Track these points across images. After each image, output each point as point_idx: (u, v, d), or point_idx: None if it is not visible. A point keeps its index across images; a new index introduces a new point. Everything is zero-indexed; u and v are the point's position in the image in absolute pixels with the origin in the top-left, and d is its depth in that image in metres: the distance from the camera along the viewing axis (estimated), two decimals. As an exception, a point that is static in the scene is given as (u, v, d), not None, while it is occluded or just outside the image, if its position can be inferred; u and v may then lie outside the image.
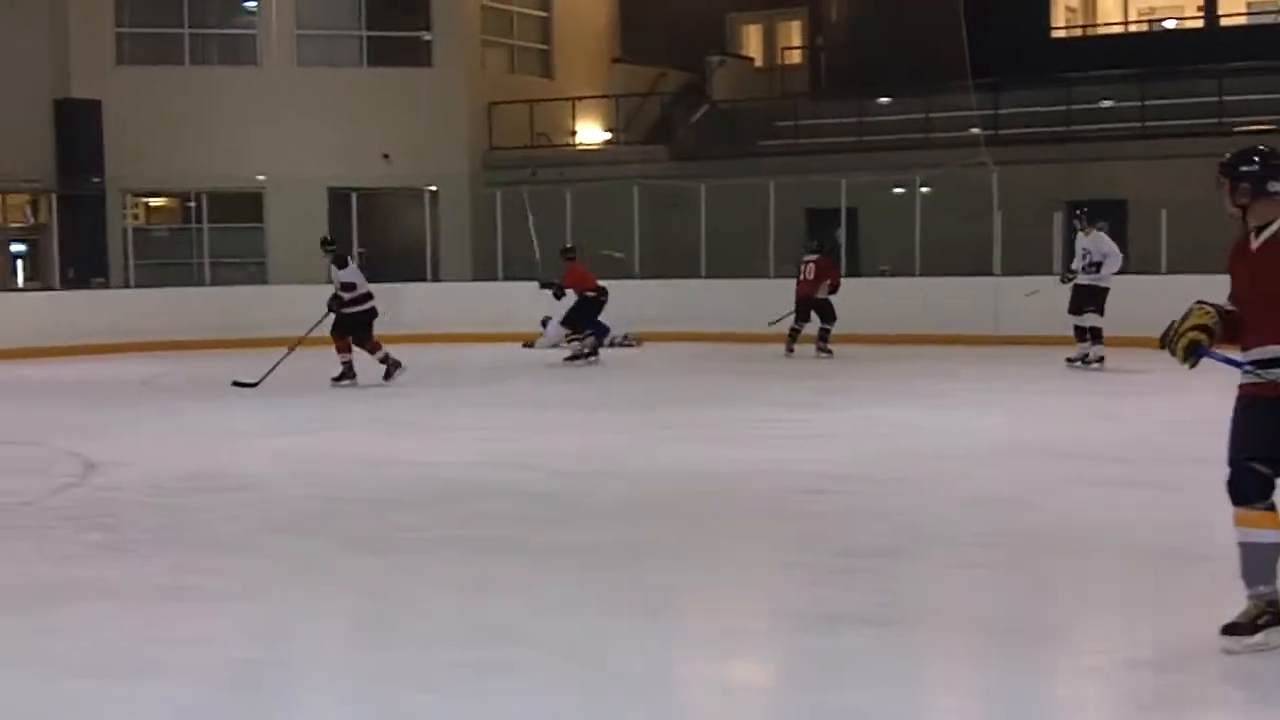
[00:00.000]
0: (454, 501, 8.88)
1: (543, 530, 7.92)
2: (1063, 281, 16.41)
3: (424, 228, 25.48)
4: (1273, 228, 5.20)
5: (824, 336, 18.46)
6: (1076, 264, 16.20)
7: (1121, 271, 16.15)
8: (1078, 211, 16.62)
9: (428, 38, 26.80)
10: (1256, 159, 5.25)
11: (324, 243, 16.56)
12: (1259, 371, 5.10)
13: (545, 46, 29.46)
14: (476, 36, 27.60)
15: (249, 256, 25.50)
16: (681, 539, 7.73)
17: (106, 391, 15.61)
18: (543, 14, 29.43)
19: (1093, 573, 6.74)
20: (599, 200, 23.74)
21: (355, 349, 15.70)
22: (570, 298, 18.36)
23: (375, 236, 24.38)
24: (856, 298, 19.33)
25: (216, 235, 25.14)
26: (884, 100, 26.34)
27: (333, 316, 15.66)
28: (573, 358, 18.47)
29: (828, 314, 18.47)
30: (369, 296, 15.78)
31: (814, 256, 18.62)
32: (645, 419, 13.12)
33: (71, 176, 24.13)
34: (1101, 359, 15.92)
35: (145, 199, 26.70)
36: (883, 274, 22.22)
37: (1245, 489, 5.13)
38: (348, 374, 15.68)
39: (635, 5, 30.91)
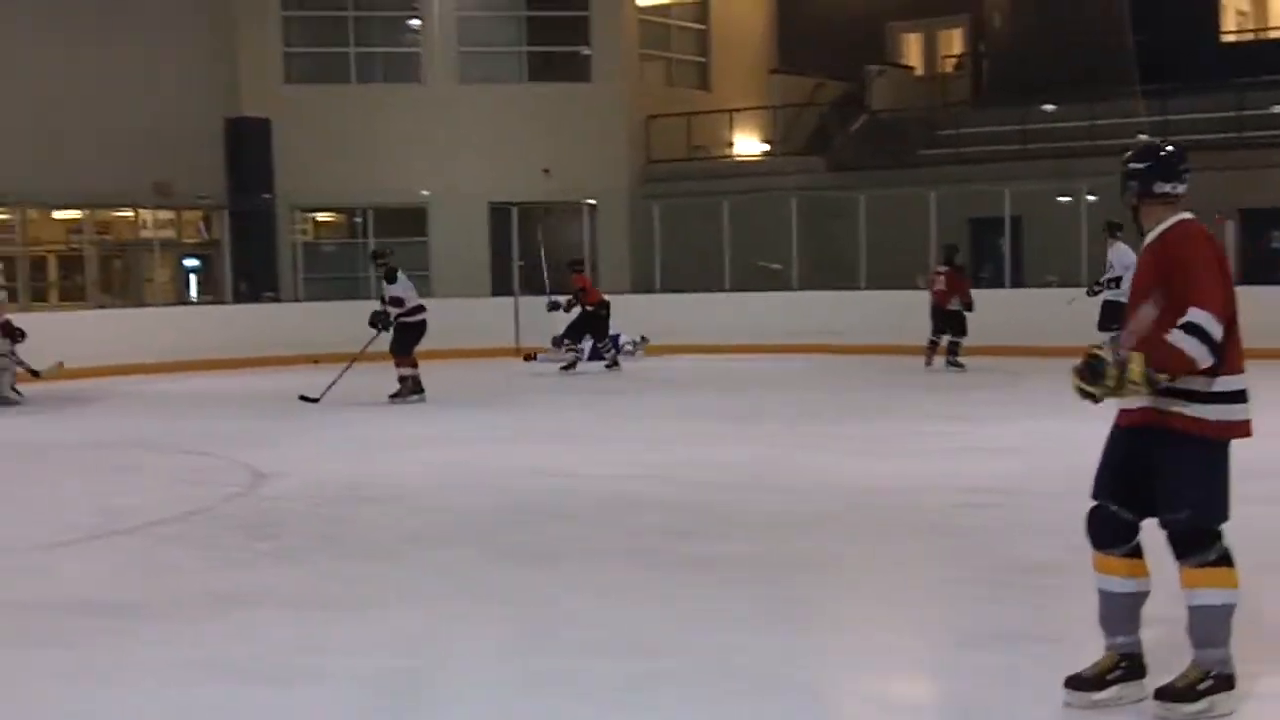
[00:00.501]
0: (605, 512, 8.94)
1: (693, 542, 7.93)
2: (1089, 294, 16.21)
3: (583, 241, 25.70)
4: (1154, 233, 4.79)
5: (954, 350, 18.27)
6: (1105, 277, 16.00)
7: None
8: (1105, 223, 16.40)
9: (587, 53, 27.01)
10: (1149, 156, 4.83)
11: (375, 256, 16.63)
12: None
13: (703, 59, 29.53)
14: (635, 51, 27.77)
15: (413, 270, 25.81)
16: (836, 552, 7.68)
17: (275, 403, 15.98)
18: (700, 27, 29.49)
19: (1262, 591, 6.54)
20: (756, 212, 23.72)
21: (409, 361, 15.72)
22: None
23: (535, 250, 24.62)
24: (1022, 309, 19.04)
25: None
26: (1049, 107, 25.89)
27: (380, 331, 15.69)
28: (567, 367, 19.38)
29: (959, 327, 18.26)
30: (421, 309, 15.79)
31: (944, 269, 18.44)
32: (795, 431, 13.07)
33: (243, 193, 24.77)
34: None
35: (313, 214, 27.32)
36: (1049, 285, 21.83)
37: (1101, 533, 4.82)
38: (414, 389, 15.67)
39: (793, 16, 30.84)
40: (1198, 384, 4.61)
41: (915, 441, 12.02)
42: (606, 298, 19.54)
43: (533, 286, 22.57)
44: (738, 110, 28.68)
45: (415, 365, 15.74)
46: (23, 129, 21.96)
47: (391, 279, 15.78)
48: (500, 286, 24.50)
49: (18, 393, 16.54)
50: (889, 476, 9.98)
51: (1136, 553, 4.80)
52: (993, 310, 18.33)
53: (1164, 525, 4.73)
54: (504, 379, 19.21)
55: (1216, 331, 4.53)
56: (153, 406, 16.55)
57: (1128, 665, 4.82)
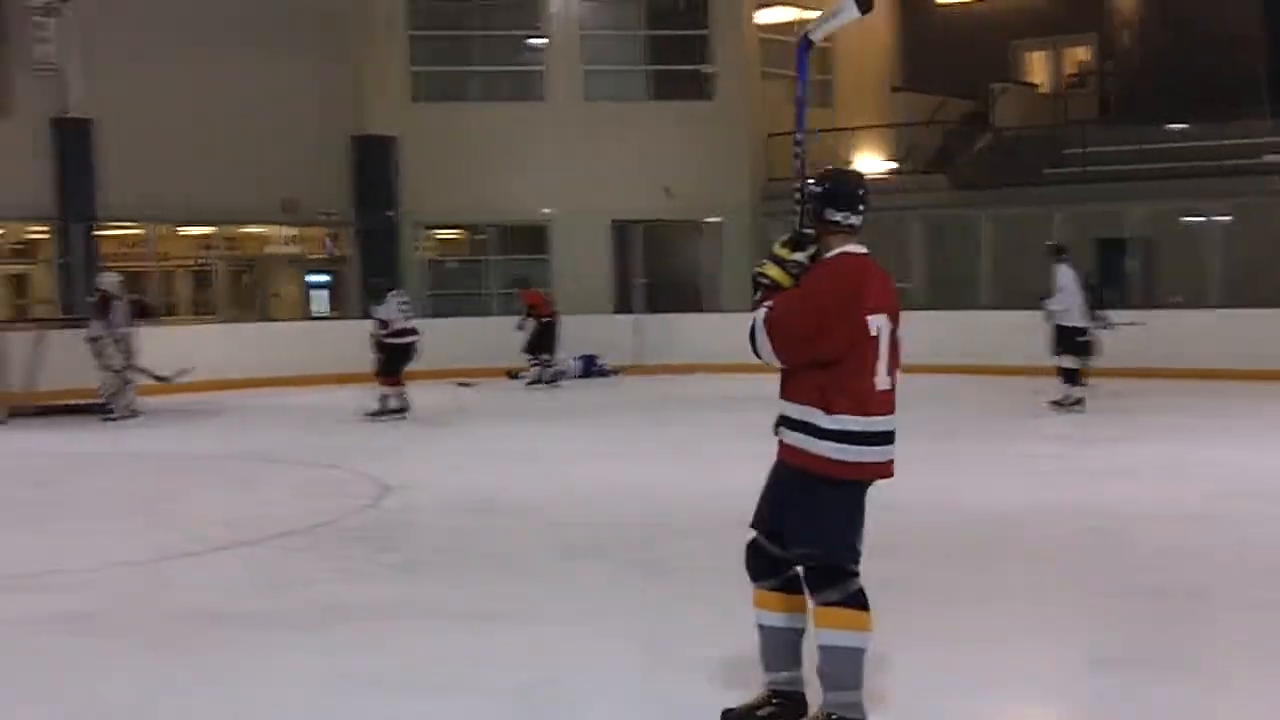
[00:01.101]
0: (729, 529, 8.89)
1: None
2: (1047, 320, 15.96)
3: (704, 259, 25.69)
4: (823, 259, 4.61)
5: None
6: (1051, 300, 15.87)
7: None
8: (1051, 246, 16.22)
9: (709, 71, 27.02)
10: (824, 182, 4.63)
11: (367, 283, 17.04)
12: (777, 429, 4.65)
13: (826, 77, 29.39)
14: (756, 69, 27.70)
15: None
16: (961, 575, 7.61)
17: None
18: (824, 44, 29.40)
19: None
20: (878, 231, 23.51)
21: (391, 381, 16.00)
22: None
23: (657, 268, 24.72)
24: (1149, 331, 18.71)
25: (504, 267, 25.82)
26: (1176, 126, 25.44)
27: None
28: (534, 382, 20.15)
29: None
30: (409, 332, 16.06)
31: None
32: (907, 451, 12.91)
33: (368, 210, 25.09)
34: (1078, 401, 15.25)
35: (437, 231, 27.60)
36: (1175, 306, 21.47)
37: (751, 566, 4.72)
38: (400, 408, 15.92)
39: (917, 34, 30.63)
40: (813, 418, 4.53)
41: (1030, 464, 11.87)
42: (557, 310, 20.76)
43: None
44: (860, 128, 28.52)
45: (399, 385, 16.02)
46: (154, 147, 22.43)
47: (379, 300, 16.31)
48: (623, 304, 24.59)
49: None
50: (1004, 499, 9.88)
51: (792, 588, 4.68)
52: (1116, 332, 17.99)
53: (795, 560, 4.65)
54: (628, 396, 19.27)
55: (759, 338, 4.60)
56: (280, 419, 16.84)
57: (781, 703, 4.70)
